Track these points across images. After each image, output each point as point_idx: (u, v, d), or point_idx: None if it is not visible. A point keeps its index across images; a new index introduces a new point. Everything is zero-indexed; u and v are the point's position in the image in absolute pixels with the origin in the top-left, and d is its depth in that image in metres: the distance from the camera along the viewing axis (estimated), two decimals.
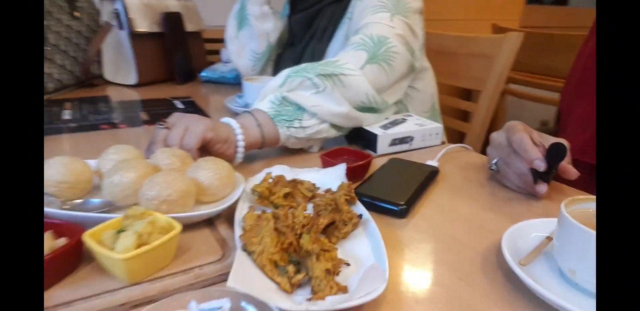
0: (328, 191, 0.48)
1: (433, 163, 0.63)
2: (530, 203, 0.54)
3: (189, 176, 0.45)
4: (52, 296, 0.33)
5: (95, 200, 0.45)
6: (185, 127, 0.55)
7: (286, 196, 0.47)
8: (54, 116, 0.87)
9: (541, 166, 0.51)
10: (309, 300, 0.31)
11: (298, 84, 0.67)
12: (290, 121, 0.64)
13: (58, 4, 1.06)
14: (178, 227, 0.37)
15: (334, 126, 0.68)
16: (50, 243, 0.35)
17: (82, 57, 1.11)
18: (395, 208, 0.49)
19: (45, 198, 0.43)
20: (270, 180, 0.48)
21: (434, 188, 0.58)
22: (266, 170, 0.52)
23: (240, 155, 0.59)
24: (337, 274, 0.35)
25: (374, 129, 0.71)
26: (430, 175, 0.59)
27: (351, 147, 0.64)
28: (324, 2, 0.93)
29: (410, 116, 0.80)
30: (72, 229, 0.37)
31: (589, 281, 0.36)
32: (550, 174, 0.53)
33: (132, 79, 1.16)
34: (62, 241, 0.36)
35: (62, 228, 0.37)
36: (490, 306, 0.35)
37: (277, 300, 0.31)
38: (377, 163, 0.62)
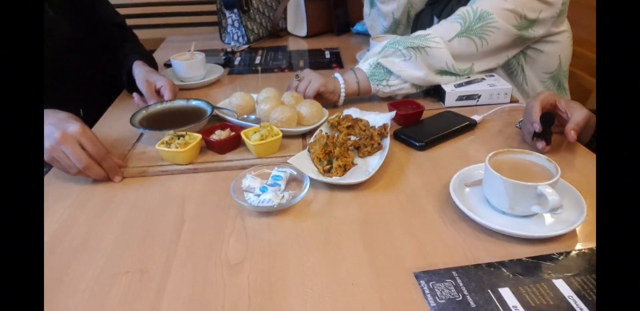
0: (372, 127, 0.74)
1: (477, 117, 0.80)
2: None
3: (297, 109, 0.77)
4: (226, 157, 0.71)
5: (252, 116, 0.82)
6: (309, 81, 0.85)
7: (348, 127, 0.75)
8: (251, 60, 1.27)
9: (536, 127, 0.66)
10: (324, 176, 0.61)
11: (391, 53, 0.86)
12: (380, 80, 0.86)
13: None
14: (280, 134, 0.70)
15: (414, 85, 0.88)
16: (228, 134, 0.73)
17: (273, 15, 1.48)
18: (417, 143, 0.72)
19: (231, 113, 0.82)
20: (342, 116, 0.76)
21: (466, 135, 0.77)
22: (344, 110, 0.79)
23: (341, 100, 0.88)
24: (349, 169, 0.63)
25: (447, 86, 0.88)
26: (466, 126, 0.77)
27: (419, 100, 0.85)
28: None
29: (491, 76, 0.93)
30: (238, 129, 0.74)
31: (489, 198, 0.55)
32: (546, 134, 0.67)
33: (304, 31, 1.49)
34: (233, 133, 0.73)
35: (234, 128, 0.75)
36: (433, 204, 0.58)
37: (310, 173, 0.61)
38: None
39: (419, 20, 1.12)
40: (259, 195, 0.57)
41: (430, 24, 1.05)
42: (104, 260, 0.50)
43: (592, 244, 0.50)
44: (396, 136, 0.75)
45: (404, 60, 0.85)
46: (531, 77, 1.00)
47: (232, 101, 0.84)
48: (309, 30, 1.48)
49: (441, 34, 0.84)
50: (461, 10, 0.86)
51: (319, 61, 1.24)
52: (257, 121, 0.79)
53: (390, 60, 0.86)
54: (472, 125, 0.78)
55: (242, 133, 0.71)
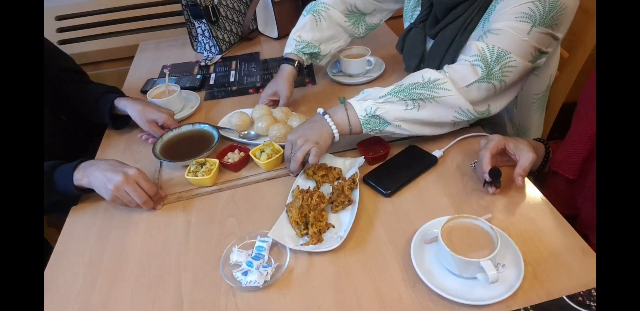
0: (343, 178, 0.76)
1: (438, 153, 0.82)
2: (482, 196, 0.73)
3: (288, 124, 0.91)
4: (239, 174, 0.84)
5: (251, 132, 0.93)
6: (300, 145, 0.74)
7: (323, 176, 0.77)
8: (226, 77, 1.23)
9: (486, 177, 0.70)
10: (302, 245, 0.65)
11: (395, 101, 0.75)
12: (374, 129, 0.77)
13: None
14: (282, 150, 0.83)
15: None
16: (239, 155, 0.85)
17: (242, 19, 1.40)
18: (384, 192, 0.75)
19: (232, 131, 0.94)
20: (317, 166, 0.78)
21: (427, 174, 0.79)
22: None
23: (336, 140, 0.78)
24: (324, 232, 0.67)
25: None
26: (428, 165, 0.80)
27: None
28: None
29: None
30: (245, 149, 0.87)
31: (442, 263, 0.61)
32: (495, 183, 0.70)
33: (275, 33, 1.42)
34: (242, 153, 0.86)
35: (241, 148, 0.87)
36: (397, 263, 0.63)
37: (289, 241, 0.65)
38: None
39: (409, 37, 0.99)
40: (246, 273, 0.61)
41: (423, 45, 0.97)
42: None
43: (527, 304, 0.56)
44: (365, 181, 0.78)
45: (405, 109, 0.75)
46: (522, 100, 0.96)
47: (231, 120, 0.94)
48: (280, 31, 1.41)
49: (456, 79, 0.74)
50: (477, 48, 0.74)
51: None
52: (257, 136, 0.92)
53: (391, 108, 0.75)
54: (433, 163, 0.81)
55: (250, 153, 0.84)
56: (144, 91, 1.17)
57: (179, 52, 1.43)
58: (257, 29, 1.46)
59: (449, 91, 0.73)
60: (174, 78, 1.22)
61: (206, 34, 1.33)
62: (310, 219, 0.68)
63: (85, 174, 0.74)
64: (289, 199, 0.74)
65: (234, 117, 0.94)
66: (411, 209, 0.73)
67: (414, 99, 0.74)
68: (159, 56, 1.42)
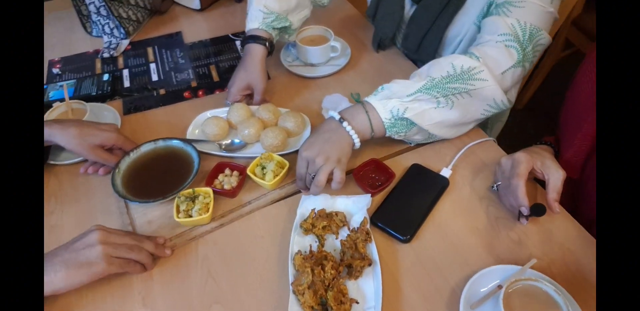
0: (353, 230, 0.59)
1: (447, 171, 0.68)
2: (511, 226, 0.62)
3: (280, 125, 0.73)
4: (242, 199, 0.67)
5: (236, 141, 0.74)
6: (328, 173, 0.60)
7: (324, 227, 0.60)
8: (145, 76, 0.91)
9: (525, 211, 0.58)
10: None
11: (425, 99, 0.63)
12: (399, 132, 0.65)
13: None
14: (287, 163, 0.67)
15: (430, 134, 0.67)
16: (235, 177, 0.67)
17: None
18: (401, 237, 0.60)
19: (210, 144, 0.73)
20: (314, 216, 0.60)
21: (442, 203, 0.65)
22: (311, 207, 0.62)
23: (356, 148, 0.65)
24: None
25: None
26: (440, 190, 0.66)
27: (380, 160, 0.69)
28: None
29: None
30: (239, 168, 0.68)
31: None
32: (533, 216, 0.59)
33: (196, 3, 1.09)
34: (236, 173, 0.67)
35: (232, 167, 0.68)
36: None
37: None
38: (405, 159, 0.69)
39: (385, 1, 0.85)
40: None
41: (401, 10, 0.84)
42: None
43: None
44: (373, 223, 0.62)
45: (436, 107, 0.63)
46: None
47: (205, 130, 0.72)
48: (203, 2, 1.09)
49: (492, 66, 0.63)
50: (506, 25, 0.64)
51: (235, 65, 0.89)
52: (243, 145, 0.73)
53: (420, 110, 0.63)
54: (445, 187, 0.67)
55: (249, 173, 0.65)
56: None
57: (66, 36, 1.05)
58: None
59: (485, 81, 0.62)
60: (71, 82, 0.88)
61: (102, 12, 0.96)
62: (330, 302, 0.51)
63: None
64: (291, 273, 0.55)
65: (208, 125, 0.72)
66: (437, 256, 0.59)
67: (447, 96, 0.63)
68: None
